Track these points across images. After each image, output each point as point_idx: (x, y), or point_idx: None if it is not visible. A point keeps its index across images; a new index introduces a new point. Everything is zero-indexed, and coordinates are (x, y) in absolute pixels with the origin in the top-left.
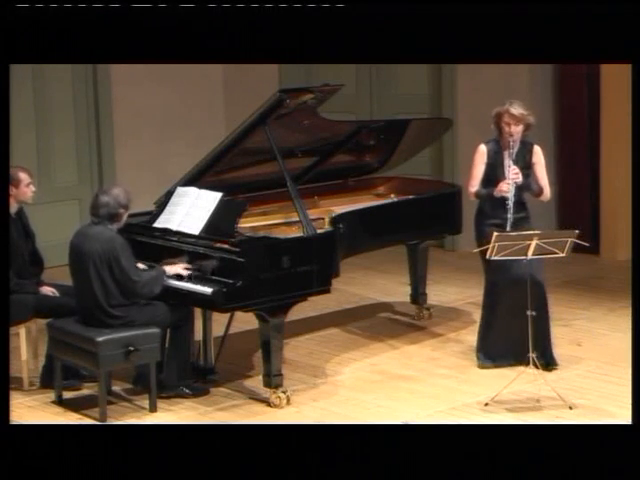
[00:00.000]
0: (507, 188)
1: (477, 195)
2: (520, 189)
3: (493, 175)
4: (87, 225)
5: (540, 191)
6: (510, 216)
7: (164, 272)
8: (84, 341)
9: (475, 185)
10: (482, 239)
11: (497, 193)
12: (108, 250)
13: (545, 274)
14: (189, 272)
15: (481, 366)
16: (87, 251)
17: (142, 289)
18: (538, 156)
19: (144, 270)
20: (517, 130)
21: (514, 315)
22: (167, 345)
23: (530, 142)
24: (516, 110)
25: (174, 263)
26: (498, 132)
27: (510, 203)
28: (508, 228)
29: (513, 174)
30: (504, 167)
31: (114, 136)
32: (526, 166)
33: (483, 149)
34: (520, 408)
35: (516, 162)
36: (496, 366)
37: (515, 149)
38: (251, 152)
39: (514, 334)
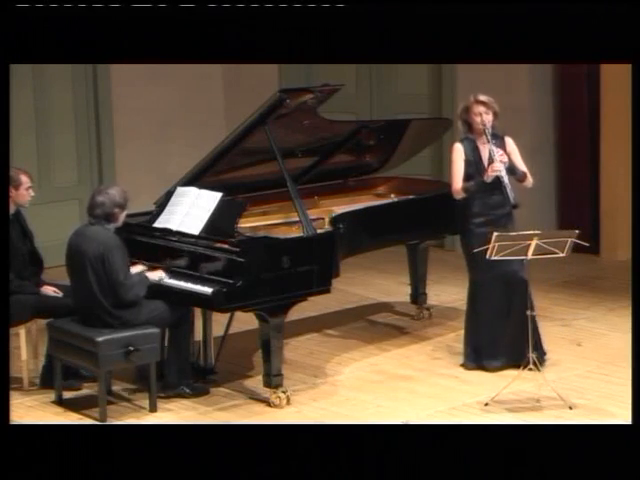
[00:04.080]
0: (498, 167)
1: (465, 189)
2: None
3: (474, 170)
4: (84, 225)
5: (524, 176)
6: (510, 192)
7: (147, 277)
8: (84, 341)
9: (459, 182)
10: (468, 238)
11: (489, 175)
12: (104, 250)
13: (528, 271)
14: (167, 275)
15: (465, 367)
16: (84, 251)
17: (129, 292)
18: (511, 146)
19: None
20: (488, 118)
21: (499, 316)
22: (167, 345)
23: (499, 135)
24: (484, 97)
25: (154, 266)
26: (468, 127)
27: (505, 180)
28: (512, 202)
29: (499, 155)
30: (483, 158)
31: (114, 136)
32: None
33: (459, 146)
34: (520, 408)
35: (492, 139)
36: (480, 367)
37: (490, 134)
38: (251, 152)
39: (500, 335)
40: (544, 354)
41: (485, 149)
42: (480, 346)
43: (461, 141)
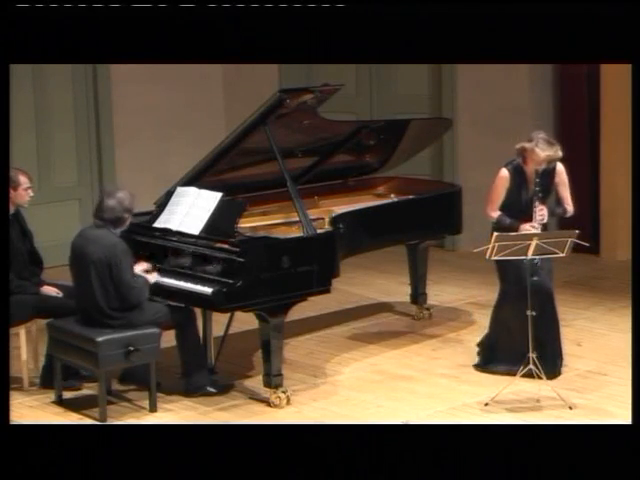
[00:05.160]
0: (535, 231)
1: (499, 222)
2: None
3: (516, 199)
4: (90, 227)
5: (564, 212)
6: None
7: (147, 281)
8: (84, 341)
9: (496, 209)
10: None
11: (523, 231)
12: (110, 256)
13: (554, 283)
14: (160, 275)
15: (481, 368)
16: (88, 254)
17: (136, 295)
18: (562, 176)
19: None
20: (543, 166)
21: (524, 326)
22: (179, 349)
23: (553, 164)
24: (543, 153)
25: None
26: (522, 159)
27: None
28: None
29: (540, 215)
30: (529, 188)
31: (114, 136)
32: (549, 185)
33: (506, 174)
34: (520, 408)
35: (540, 182)
36: (493, 372)
37: (539, 180)
38: (251, 152)
39: (523, 346)
40: (559, 370)
41: (531, 183)
42: (504, 351)
43: (507, 166)
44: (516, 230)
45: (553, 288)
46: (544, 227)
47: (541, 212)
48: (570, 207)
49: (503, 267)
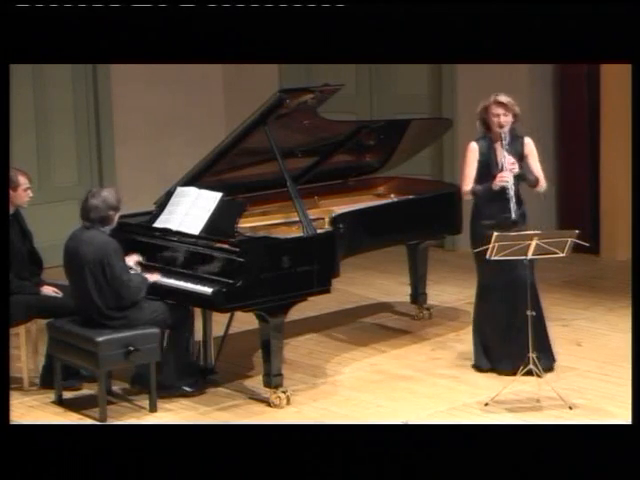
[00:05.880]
0: (507, 177)
1: (473, 192)
2: (517, 179)
3: (487, 172)
4: (80, 229)
5: (536, 181)
6: (513, 206)
7: (146, 278)
8: (84, 341)
9: (469, 184)
10: (477, 239)
11: (496, 184)
12: (102, 256)
13: (536, 276)
14: (162, 276)
15: (477, 369)
16: (82, 255)
17: (131, 293)
18: (530, 147)
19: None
20: (507, 120)
21: (507, 320)
22: (165, 345)
23: (520, 135)
24: (504, 98)
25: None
26: (486, 127)
27: (511, 192)
28: (513, 216)
29: (510, 164)
30: (498, 160)
31: (114, 136)
32: (519, 159)
33: (475, 146)
34: (520, 408)
35: (506, 136)
36: (492, 370)
37: (507, 140)
38: (251, 152)
39: (509, 339)
40: (554, 361)
41: (501, 151)
42: (490, 348)
43: (477, 140)
44: (490, 188)
45: (536, 282)
46: (517, 179)
47: (510, 161)
48: (542, 179)
49: (480, 260)
